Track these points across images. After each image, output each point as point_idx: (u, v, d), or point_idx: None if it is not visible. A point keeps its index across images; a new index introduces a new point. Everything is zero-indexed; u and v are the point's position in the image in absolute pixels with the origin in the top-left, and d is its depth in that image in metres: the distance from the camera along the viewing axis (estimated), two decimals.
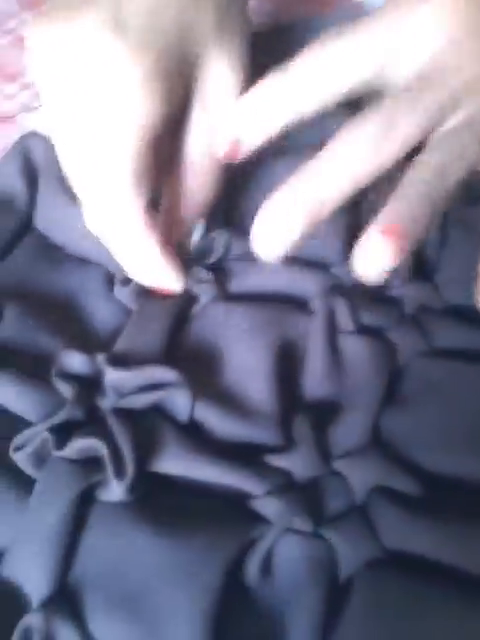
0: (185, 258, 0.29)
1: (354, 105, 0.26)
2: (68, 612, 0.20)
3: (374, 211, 0.23)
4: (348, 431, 0.24)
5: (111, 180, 0.25)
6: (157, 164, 0.25)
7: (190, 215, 0.28)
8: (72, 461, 0.23)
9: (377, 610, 0.21)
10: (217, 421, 0.24)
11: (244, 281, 0.29)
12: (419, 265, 0.29)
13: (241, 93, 0.26)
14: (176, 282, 0.27)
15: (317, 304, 0.27)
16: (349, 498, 0.23)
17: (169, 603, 0.20)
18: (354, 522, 0.22)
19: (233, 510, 0.23)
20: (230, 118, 0.26)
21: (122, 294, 0.29)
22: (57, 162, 0.31)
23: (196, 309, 0.28)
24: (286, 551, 0.22)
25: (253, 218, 0.29)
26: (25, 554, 0.21)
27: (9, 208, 0.32)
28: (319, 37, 0.25)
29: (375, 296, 0.28)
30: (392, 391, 0.26)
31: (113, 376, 0.24)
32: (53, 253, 0.31)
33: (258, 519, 0.22)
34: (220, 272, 0.29)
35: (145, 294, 0.28)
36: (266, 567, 0.22)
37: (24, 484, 0.23)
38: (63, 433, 0.23)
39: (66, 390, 0.24)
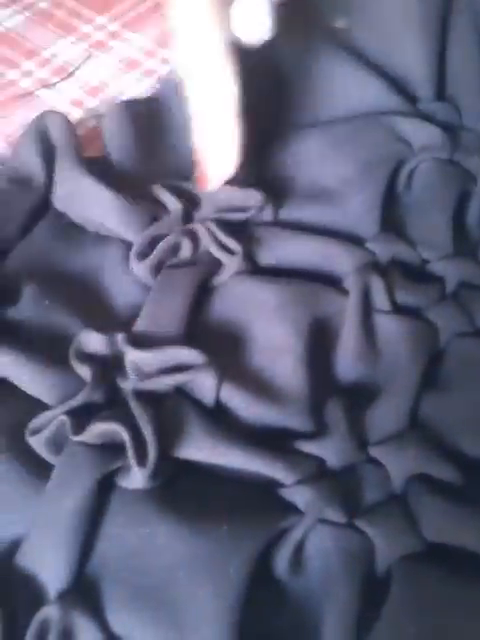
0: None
1: None
2: (87, 605, 0.19)
3: None
4: (384, 416, 0.23)
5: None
6: None
7: None
8: (91, 446, 0.22)
9: (416, 606, 0.19)
10: (244, 405, 0.23)
11: (273, 252, 0.27)
12: (461, 240, 0.27)
13: None
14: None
15: (351, 281, 0.26)
16: (386, 487, 0.21)
17: (193, 597, 0.19)
18: (392, 513, 0.20)
19: (261, 499, 0.21)
20: None
21: (139, 269, 0.27)
22: (74, 139, 0.29)
23: (218, 281, 0.26)
24: (318, 543, 0.20)
25: (287, 189, 0.28)
26: (42, 543, 0.20)
27: (28, 187, 0.30)
28: None
29: (413, 273, 0.26)
30: (431, 374, 0.24)
31: (134, 356, 0.23)
32: (71, 232, 0.30)
33: (288, 509, 0.21)
34: (248, 239, 0.27)
35: (163, 268, 0.27)
36: (297, 559, 0.20)
37: (40, 470, 0.22)
38: (82, 417, 0.22)
39: (84, 371, 0.23)
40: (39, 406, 0.24)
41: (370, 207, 0.27)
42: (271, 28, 0.26)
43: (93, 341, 0.24)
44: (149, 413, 0.22)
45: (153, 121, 0.32)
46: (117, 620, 0.19)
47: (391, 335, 0.25)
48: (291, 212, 0.29)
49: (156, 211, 0.29)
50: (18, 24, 0.42)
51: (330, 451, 0.21)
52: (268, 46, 0.27)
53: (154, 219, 0.28)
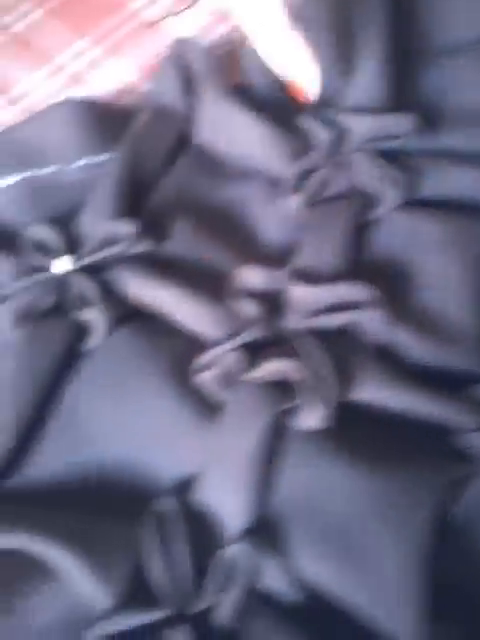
0: None
1: None
2: (274, 546, 0.19)
3: None
4: None
5: None
6: None
7: None
8: (264, 384, 0.21)
9: None
10: (416, 345, 0.22)
11: (432, 182, 0.25)
12: None
13: None
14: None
15: None
16: None
17: (380, 544, 0.19)
18: None
19: (437, 445, 0.20)
20: None
21: (293, 203, 0.26)
22: (217, 67, 0.28)
23: (377, 215, 0.25)
24: None
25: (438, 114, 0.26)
26: (220, 480, 0.20)
27: (169, 119, 0.30)
28: None
29: None
30: None
31: (300, 293, 0.22)
32: (213, 166, 0.30)
33: (465, 456, 0.20)
34: (405, 169, 0.25)
35: (317, 203, 0.26)
36: (478, 508, 0.19)
37: (206, 408, 0.22)
38: (249, 354, 0.22)
39: (250, 308, 0.23)
40: (198, 344, 0.23)
41: None
42: None
43: (255, 277, 0.23)
44: (321, 351, 0.21)
45: None
46: (304, 563, 0.19)
47: None
48: (443, 139, 0.27)
49: (305, 142, 0.27)
50: None
51: None
52: None
53: (303, 150, 0.27)
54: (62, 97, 0.36)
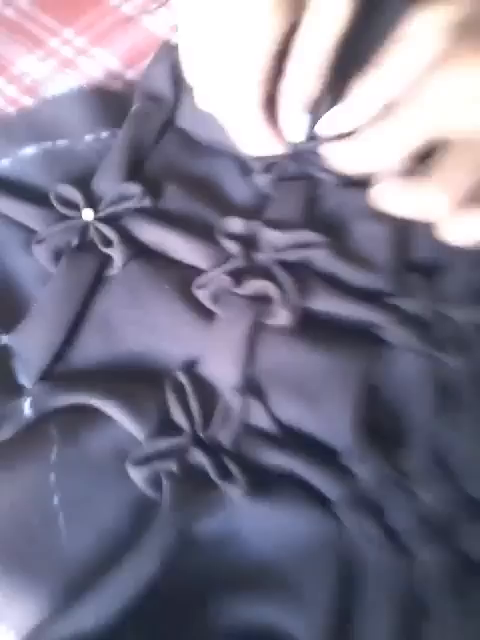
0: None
1: None
2: (257, 396, 0.29)
3: None
4: (450, 284, 0.32)
5: (246, 74, 0.30)
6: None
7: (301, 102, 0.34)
8: (246, 297, 0.31)
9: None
10: (350, 272, 0.32)
11: None
12: None
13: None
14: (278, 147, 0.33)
15: None
16: (451, 327, 0.31)
17: (330, 390, 0.29)
18: (457, 345, 0.30)
19: (364, 335, 0.31)
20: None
21: (261, 180, 0.36)
22: None
23: (320, 192, 0.35)
24: (405, 364, 0.30)
25: None
26: (218, 358, 0.30)
27: (158, 104, 0.38)
28: None
29: None
30: None
31: (270, 235, 0.32)
32: (192, 145, 0.38)
33: (383, 342, 0.31)
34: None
35: (281, 182, 0.36)
36: (391, 374, 0.30)
37: (205, 313, 0.32)
38: (233, 278, 0.32)
39: (232, 246, 0.32)
40: (195, 271, 0.33)
41: None
42: None
43: (235, 224, 0.33)
44: (286, 274, 0.31)
45: None
46: (276, 406, 0.29)
47: None
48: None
49: None
50: None
51: (413, 304, 0.31)
52: None
53: None
54: (55, 79, 0.44)
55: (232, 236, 0.33)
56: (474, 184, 0.28)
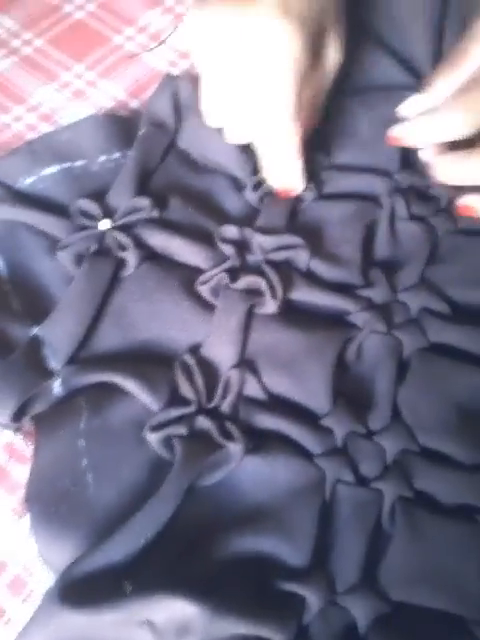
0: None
1: None
2: (252, 371, 0.35)
3: None
4: (405, 276, 0.39)
5: (277, 109, 0.37)
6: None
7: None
8: (240, 290, 0.37)
9: (428, 382, 0.36)
10: (325, 269, 0.39)
11: (333, 185, 0.43)
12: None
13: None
14: (301, 185, 0.41)
15: (385, 200, 0.41)
16: (408, 314, 0.38)
17: (309, 367, 0.35)
18: (411, 326, 0.37)
19: (337, 320, 0.38)
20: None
21: (251, 196, 0.42)
22: (197, 101, 0.44)
23: (302, 206, 0.42)
24: (371, 343, 0.37)
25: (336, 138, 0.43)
26: (218, 342, 0.36)
27: (162, 129, 0.45)
28: None
29: (421, 194, 0.42)
30: (432, 254, 0.40)
31: (259, 239, 0.39)
32: (192, 164, 0.45)
33: (353, 326, 0.37)
34: (316, 179, 0.43)
35: (268, 196, 0.42)
36: (359, 352, 0.37)
37: (207, 305, 0.38)
38: (229, 274, 0.38)
39: (228, 249, 0.39)
40: (197, 270, 0.39)
41: (394, 151, 0.43)
42: None
43: (230, 230, 0.40)
44: (274, 271, 0.38)
45: None
46: (266, 378, 0.36)
47: (409, 232, 0.41)
48: (339, 156, 0.44)
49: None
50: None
51: (376, 294, 0.38)
52: None
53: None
54: (68, 107, 0.50)
55: (228, 241, 0.39)
56: None
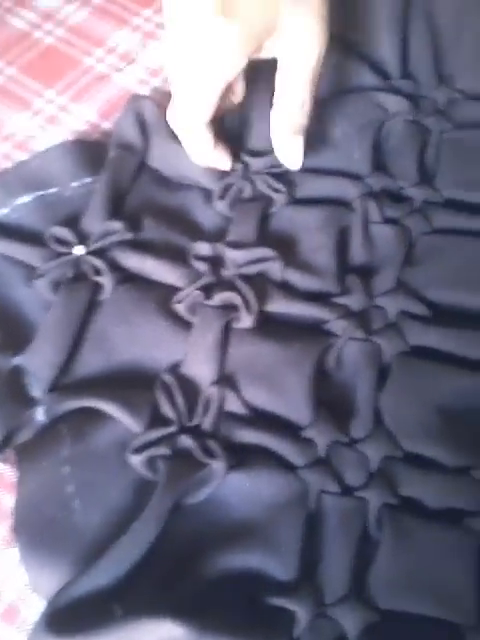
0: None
1: None
2: (230, 386, 0.35)
3: None
4: (382, 280, 0.39)
5: (199, 101, 0.39)
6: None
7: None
8: (216, 307, 0.37)
9: (409, 387, 0.35)
10: (299, 279, 0.39)
11: (305, 187, 0.43)
12: (423, 173, 0.43)
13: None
14: (226, 164, 0.42)
15: (356, 204, 0.41)
16: (386, 318, 0.38)
17: (289, 379, 0.35)
18: (390, 330, 0.37)
19: (315, 329, 0.38)
20: None
21: (220, 206, 0.43)
22: (163, 118, 0.44)
23: (274, 209, 0.42)
24: (350, 350, 0.37)
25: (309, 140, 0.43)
26: (197, 359, 0.36)
27: (131, 150, 0.45)
28: None
29: (394, 196, 0.42)
30: (408, 256, 0.40)
31: (232, 254, 0.39)
32: (163, 182, 0.45)
33: (331, 334, 0.37)
34: (287, 183, 0.43)
35: (237, 205, 0.42)
36: (339, 359, 0.37)
37: (184, 323, 0.38)
38: (204, 291, 0.38)
39: (201, 266, 0.39)
40: (173, 289, 0.39)
41: (365, 154, 0.43)
42: None
43: (203, 247, 0.40)
44: (247, 286, 0.38)
45: None
46: (245, 393, 0.36)
47: (383, 235, 0.41)
48: (311, 160, 0.45)
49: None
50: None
51: (353, 301, 0.38)
52: None
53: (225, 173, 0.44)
54: (42, 134, 0.51)
55: (201, 258, 0.39)
56: None
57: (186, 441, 0.34)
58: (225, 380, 0.36)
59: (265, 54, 0.39)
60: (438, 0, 0.48)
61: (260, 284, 0.38)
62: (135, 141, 0.45)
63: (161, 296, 0.38)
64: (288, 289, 0.38)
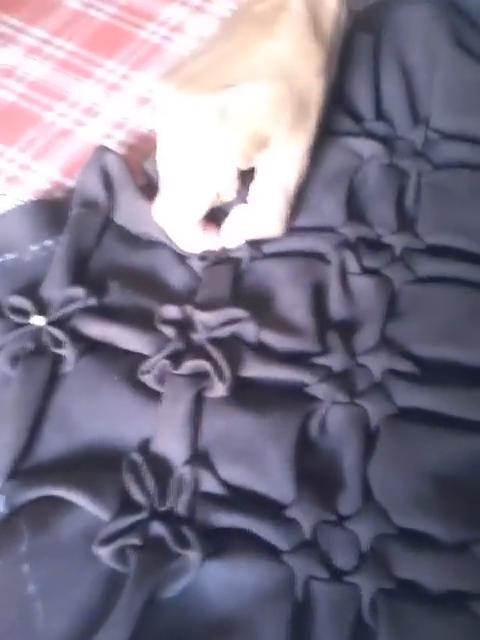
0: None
1: None
2: (205, 465, 0.32)
3: None
4: (364, 337, 0.36)
5: (190, 207, 0.38)
6: None
7: None
8: (186, 376, 0.34)
9: (398, 454, 0.32)
10: (276, 340, 0.36)
11: (277, 245, 0.40)
12: (402, 219, 0.40)
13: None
14: (216, 245, 0.40)
15: (332, 256, 0.39)
16: (371, 378, 0.35)
17: (268, 453, 0.32)
18: (375, 391, 0.34)
19: (295, 394, 0.35)
20: None
21: (196, 265, 0.40)
22: (129, 172, 0.42)
23: (246, 265, 0.40)
24: (334, 416, 0.34)
25: None
26: (167, 435, 0.33)
27: (95, 207, 0.43)
28: None
29: (372, 244, 0.39)
30: (391, 309, 0.37)
31: (202, 317, 0.36)
32: (131, 240, 0.42)
33: (313, 399, 0.34)
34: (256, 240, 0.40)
35: (210, 265, 0.40)
36: (322, 427, 0.34)
37: (151, 396, 0.35)
38: (173, 360, 0.35)
39: (169, 331, 0.36)
40: (140, 357, 0.36)
41: (337, 206, 0.41)
42: None
43: (170, 311, 0.37)
44: (220, 351, 0.35)
45: None
46: (225, 473, 0.32)
47: (362, 288, 0.38)
48: None
49: None
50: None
51: (334, 361, 0.35)
52: None
53: None
54: (3, 195, 0.48)
55: (169, 322, 0.37)
56: None
57: (158, 528, 0.31)
58: (199, 457, 0.33)
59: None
60: (407, 37, 0.46)
61: (233, 348, 0.35)
62: (99, 197, 0.42)
63: (127, 366, 0.36)
64: (264, 351, 0.35)
